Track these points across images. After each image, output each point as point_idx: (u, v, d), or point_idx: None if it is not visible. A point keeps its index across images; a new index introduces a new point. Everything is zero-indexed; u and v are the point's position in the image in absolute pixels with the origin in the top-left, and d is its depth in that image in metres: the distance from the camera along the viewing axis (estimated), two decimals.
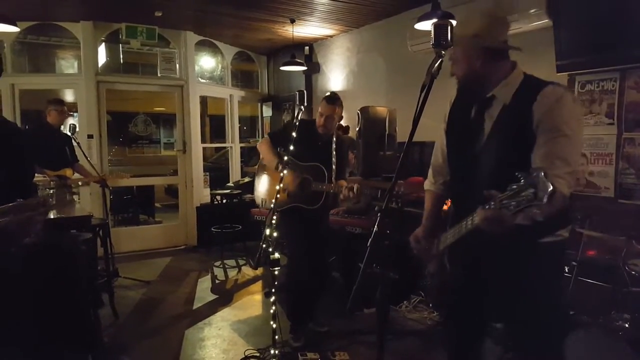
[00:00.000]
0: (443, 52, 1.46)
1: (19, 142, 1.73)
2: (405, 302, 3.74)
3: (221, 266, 5.17)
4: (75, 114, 5.95)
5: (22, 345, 1.63)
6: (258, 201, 3.35)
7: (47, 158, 4.10)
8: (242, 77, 7.28)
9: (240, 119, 7.12)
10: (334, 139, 3.11)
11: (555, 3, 3.29)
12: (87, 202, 5.31)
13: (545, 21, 3.38)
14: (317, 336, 3.27)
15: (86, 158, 4.38)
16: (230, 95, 6.78)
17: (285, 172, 2.59)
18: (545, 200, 1.07)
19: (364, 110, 3.93)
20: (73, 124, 4.43)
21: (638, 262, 2.62)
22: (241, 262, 5.30)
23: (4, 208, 1.30)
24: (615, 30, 2.97)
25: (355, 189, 2.68)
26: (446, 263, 1.81)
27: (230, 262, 5.31)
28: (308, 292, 3.17)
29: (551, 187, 1.06)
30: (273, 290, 2.52)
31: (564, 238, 1.63)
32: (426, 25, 3.57)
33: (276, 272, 2.49)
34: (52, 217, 2.78)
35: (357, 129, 4.02)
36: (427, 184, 1.95)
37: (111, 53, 5.89)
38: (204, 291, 4.37)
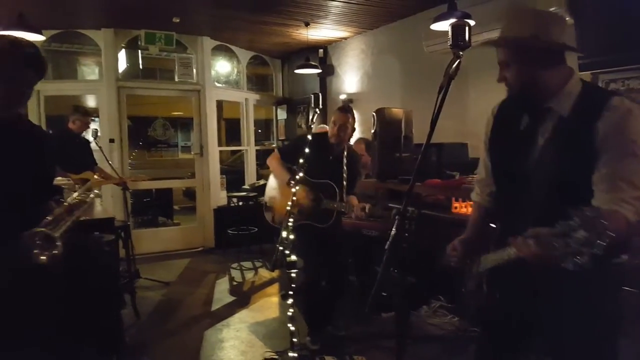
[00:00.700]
0: (461, 53, 1.40)
1: (48, 146, 1.81)
2: (425, 306, 3.71)
3: (238, 268, 5.23)
4: (96, 119, 6.09)
5: (48, 346, 1.68)
6: (268, 201, 3.39)
7: (70, 162, 4.21)
8: (257, 81, 7.36)
9: (256, 122, 7.20)
10: (345, 152, 3.14)
11: (576, 0, 3.25)
12: (109, 205, 5.42)
13: (566, 19, 3.34)
14: (335, 340, 3.27)
15: (108, 161, 4.48)
16: (246, 99, 6.86)
17: (297, 188, 2.52)
18: (596, 250, 0.95)
19: (380, 112, 3.93)
20: (95, 129, 4.55)
21: None
22: (257, 264, 5.35)
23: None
24: None
25: (367, 209, 2.73)
26: (484, 285, 1.69)
27: (247, 264, 5.36)
28: (324, 296, 3.19)
29: (608, 235, 0.95)
30: (290, 292, 2.55)
31: (623, 261, 1.45)
32: (443, 26, 3.56)
33: (293, 275, 2.51)
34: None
35: (373, 131, 4.03)
36: (474, 195, 1.84)
37: (131, 59, 6.03)
38: (221, 292, 4.43)
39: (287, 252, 2.50)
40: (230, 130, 9.07)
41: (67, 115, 4.49)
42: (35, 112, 5.37)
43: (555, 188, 1.36)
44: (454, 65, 1.38)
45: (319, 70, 5.93)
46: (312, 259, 3.14)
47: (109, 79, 5.57)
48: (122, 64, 5.92)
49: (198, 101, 6.13)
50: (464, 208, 3.14)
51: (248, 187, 6.53)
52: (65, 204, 1.63)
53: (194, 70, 6.12)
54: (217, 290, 4.51)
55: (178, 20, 5.17)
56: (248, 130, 6.89)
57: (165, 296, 4.31)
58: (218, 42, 6.25)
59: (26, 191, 1.61)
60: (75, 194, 1.74)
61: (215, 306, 4.08)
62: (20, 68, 1.51)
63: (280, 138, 7.46)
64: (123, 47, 5.81)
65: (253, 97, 6.99)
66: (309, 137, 2.60)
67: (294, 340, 2.56)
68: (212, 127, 6.25)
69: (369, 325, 3.47)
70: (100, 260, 2.57)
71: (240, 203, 5.91)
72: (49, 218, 1.49)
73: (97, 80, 5.75)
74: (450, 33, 1.45)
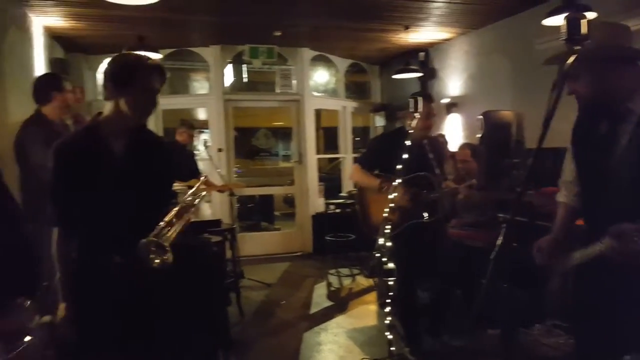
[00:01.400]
0: (577, 47, 1.36)
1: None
2: (537, 324, 3.38)
3: (336, 274, 5.26)
4: (206, 131, 6.60)
5: (164, 341, 1.82)
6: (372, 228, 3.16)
7: (178, 170, 4.61)
8: (355, 89, 7.40)
9: (353, 130, 7.23)
10: (426, 140, 2.99)
11: None
12: (217, 209, 5.81)
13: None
14: (436, 353, 3.13)
15: (216, 169, 4.81)
16: (343, 107, 6.93)
17: (393, 191, 2.45)
18: None
19: (488, 115, 3.68)
20: (205, 139, 4.93)
21: None
22: (355, 271, 5.34)
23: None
24: None
25: (472, 185, 2.56)
26: (569, 284, 1.73)
27: (345, 270, 5.37)
28: (424, 307, 3.07)
29: None
30: (388, 300, 2.48)
31: None
32: (556, 21, 3.26)
33: (390, 282, 2.45)
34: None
35: (479, 135, 3.80)
36: (559, 196, 1.89)
37: (236, 73, 6.45)
38: (320, 297, 4.49)
39: (384, 259, 2.45)
40: (328, 138, 9.23)
41: (174, 128, 4.92)
42: (154, 125, 5.95)
43: (638, 185, 1.40)
44: (569, 62, 1.35)
45: (420, 74, 5.78)
46: (411, 268, 3.01)
47: (216, 92, 5.99)
48: (229, 78, 6.35)
49: (297, 110, 6.34)
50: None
51: (345, 195, 6.56)
52: (176, 208, 1.78)
53: (294, 81, 6.34)
54: (316, 294, 4.58)
55: (279, 34, 5.40)
56: (345, 138, 6.95)
57: (267, 297, 4.49)
58: (317, 53, 6.41)
59: (160, 196, 1.79)
60: (185, 197, 1.91)
61: (313, 309, 4.14)
62: (155, 79, 1.71)
63: None
64: (229, 62, 6.22)
65: (350, 104, 7.04)
66: (387, 136, 2.53)
67: (392, 349, 2.49)
68: (311, 136, 6.41)
69: (473, 341, 3.26)
70: (209, 259, 2.74)
71: (338, 210, 5.96)
72: (161, 224, 1.63)
73: (207, 94, 6.22)
74: (565, 26, 1.39)
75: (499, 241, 1.43)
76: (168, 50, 5.89)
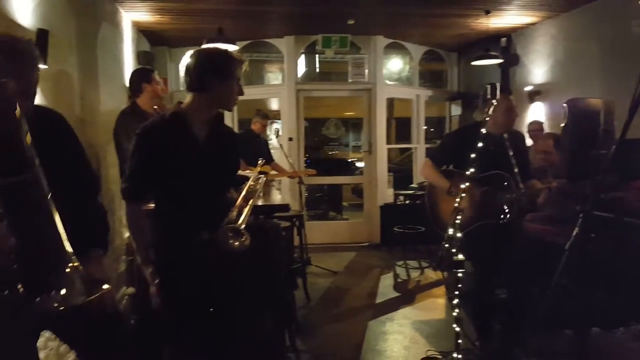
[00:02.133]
0: None
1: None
2: (622, 327, 3.11)
3: (403, 266, 5.18)
4: (278, 121, 6.77)
5: (236, 317, 1.93)
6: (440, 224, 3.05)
7: (252, 157, 4.78)
8: (430, 77, 7.19)
9: (427, 121, 7.04)
10: (506, 135, 2.79)
11: None
12: (287, 198, 5.96)
13: None
14: (506, 350, 2.98)
15: (286, 158, 4.92)
16: (417, 96, 6.75)
17: (462, 195, 2.24)
18: None
19: (572, 103, 3.39)
20: (277, 128, 5.07)
21: None
22: (424, 264, 5.22)
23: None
24: None
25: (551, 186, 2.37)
26: None
27: (413, 262, 5.27)
28: (499, 305, 2.93)
29: None
30: (457, 292, 2.40)
31: None
32: None
33: (460, 275, 2.36)
34: (259, 203, 3.20)
35: (563, 124, 3.54)
36: None
37: (309, 63, 6.53)
38: (386, 287, 4.46)
39: (453, 250, 2.37)
40: (401, 128, 9.08)
41: (250, 118, 5.11)
42: (229, 115, 6.20)
43: None
44: None
45: (501, 61, 5.46)
46: (486, 265, 2.87)
47: (289, 82, 6.11)
48: (301, 68, 6.44)
49: (368, 99, 6.29)
50: None
51: (416, 186, 6.43)
52: (242, 193, 1.96)
53: (366, 70, 6.29)
54: (382, 284, 4.55)
55: (353, 22, 5.37)
56: (418, 128, 6.78)
57: (333, 284, 4.54)
58: (391, 40, 6.29)
59: (232, 179, 2.03)
60: (248, 182, 2.09)
61: (379, 299, 4.13)
62: (241, 71, 1.84)
63: None
64: (302, 53, 6.31)
65: (425, 93, 6.85)
66: (464, 132, 2.40)
67: (459, 342, 2.41)
68: (382, 125, 6.33)
69: (548, 340, 3.06)
70: (278, 242, 2.83)
71: (407, 201, 5.84)
72: (233, 211, 1.79)
73: (280, 84, 6.37)
74: None
75: (575, 231, 1.31)
76: (245, 42, 6.08)
